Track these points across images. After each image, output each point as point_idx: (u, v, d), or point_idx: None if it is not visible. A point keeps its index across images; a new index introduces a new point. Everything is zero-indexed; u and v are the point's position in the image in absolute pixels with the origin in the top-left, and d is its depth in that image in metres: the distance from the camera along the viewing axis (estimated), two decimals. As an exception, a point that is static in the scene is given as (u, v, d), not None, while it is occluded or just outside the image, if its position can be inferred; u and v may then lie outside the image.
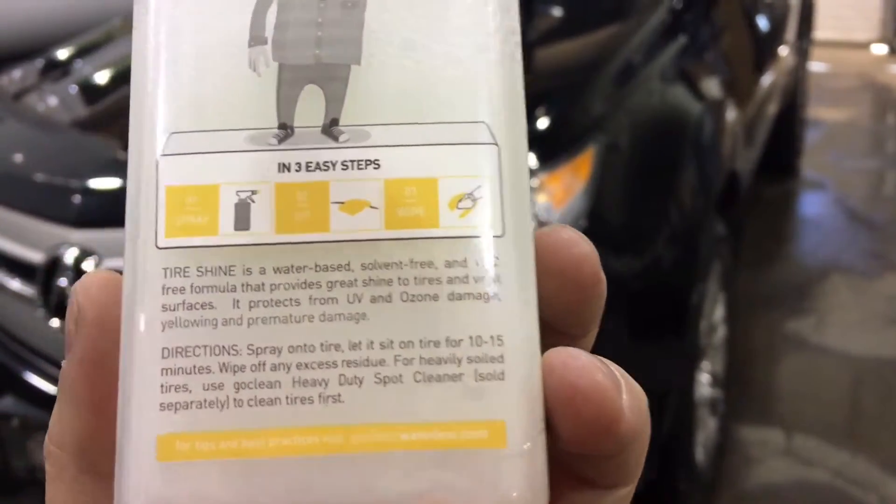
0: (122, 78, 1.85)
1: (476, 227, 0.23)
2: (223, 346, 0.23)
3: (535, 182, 1.31)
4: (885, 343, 2.41)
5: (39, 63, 2.06)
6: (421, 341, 0.23)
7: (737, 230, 1.99)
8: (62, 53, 2.10)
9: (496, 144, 0.24)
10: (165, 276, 0.23)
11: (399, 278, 0.23)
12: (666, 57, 1.73)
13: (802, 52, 3.47)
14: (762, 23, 2.54)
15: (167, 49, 0.25)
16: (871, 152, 4.13)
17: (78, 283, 0.24)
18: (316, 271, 0.23)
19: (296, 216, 0.23)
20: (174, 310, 0.23)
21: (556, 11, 1.93)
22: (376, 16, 0.25)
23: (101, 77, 1.96)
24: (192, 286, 0.23)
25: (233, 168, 0.24)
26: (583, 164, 1.35)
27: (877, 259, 2.93)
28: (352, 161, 0.24)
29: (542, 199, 1.30)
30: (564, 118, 1.43)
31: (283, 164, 0.24)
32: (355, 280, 0.23)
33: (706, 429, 1.77)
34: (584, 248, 0.24)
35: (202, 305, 0.23)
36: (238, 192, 0.23)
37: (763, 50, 2.54)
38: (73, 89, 1.93)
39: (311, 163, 0.24)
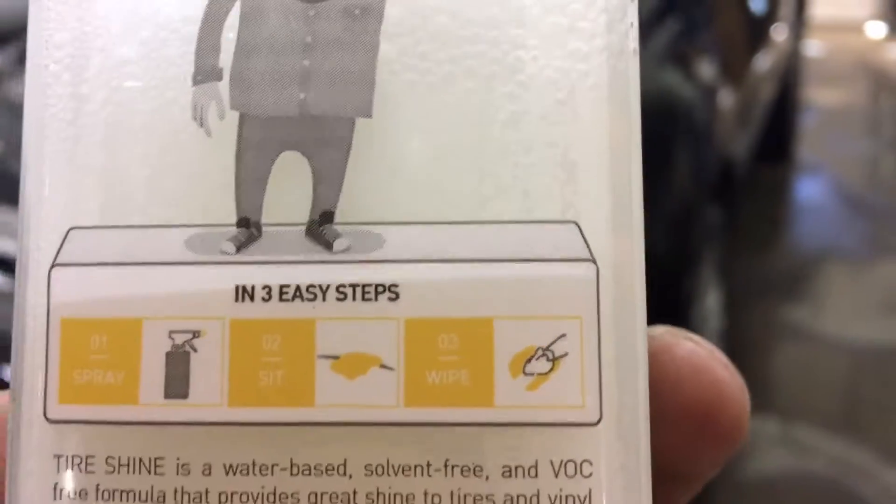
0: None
1: (557, 409, 0.15)
2: None
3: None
4: (883, 329, 2.40)
5: (18, 48, 2.03)
6: None
7: (731, 216, 1.98)
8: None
9: (593, 262, 0.15)
10: (58, 470, 0.15)
11: (427, 494, 0.15)
12: (659, 40, 1.70)
13: (798, 34, 3.44)
14: (756, 4, 2.52)
15: (67, 83, 0.15)
16: (868, 136, 4.10)
17: None
18: (292, 475, 0.15)
19: (261, 378, 0.15)
20: None
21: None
22: (403, 30, 0.15)
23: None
24: (98, 489, 0.15)
25: (163, 292, 0.15)
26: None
27: (874, 244, 2.92)
28: (353, 286, 0.15)
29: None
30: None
31: (244, 289, 0.15)
32: (355, 493, 0.15)
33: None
34: (720, 375, 0.16)
35: None
36: (172, 332, 0.15)
37: (757, 32, 2.52)
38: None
39: (287, 287, 0.15)
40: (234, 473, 0.15)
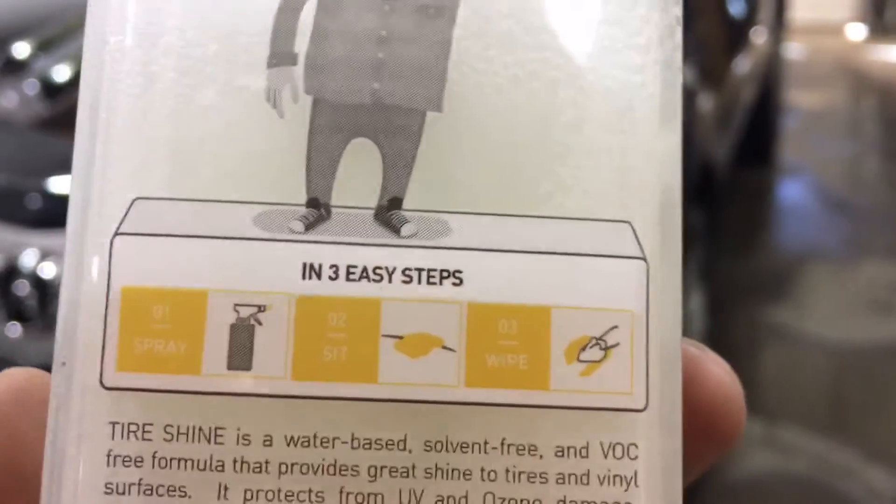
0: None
1: (608, 395, 0.16)
2: None
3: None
4: (866, 329, 2.40)
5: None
6: None
7: (713, 219, 1.98)
8: (20, 49, 2.05)
9: (645, 260, 0.16)
10: (113, 436, 0.15)
11: (483, 470, 0.15)
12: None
13: (778, 36, 3.45)
14: (736, 6, 2.52)
15: (137, 60, 0.16)
16: (849, 138, 4.12)
17: None
18: (353, 448, 0.15)
19: (325, 354, 0.15)
20: (123, 494, 0.15)
21: None
22: (472, 32, 0.16)
23: (62, 73, 1.92)
24: (155, 457, 0.15)
25: (230, 265, 0.15)
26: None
27: (855, 245, 2.93)
28: (419, 270, 0.16)
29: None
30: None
31: (311, 267, 0.15)
32: (414, 467, 0.15)
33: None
34: (729, 390, 0.17)
35: (169, 490, 0.15)
36: (237, 305, 0.15)
37: (737, 35, 2.53)
38: (33, 87, 1.88)
39: (354, 267, 0.16)
40: (296, 445, 0.15)
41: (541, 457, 0.15)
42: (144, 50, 0.16)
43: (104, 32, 0.16)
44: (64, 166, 1.47)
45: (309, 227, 0.16)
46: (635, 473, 0.16)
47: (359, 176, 0.16)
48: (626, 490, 0.15)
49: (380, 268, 0.16)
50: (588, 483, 0.15)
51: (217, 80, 0.16)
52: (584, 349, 0.16)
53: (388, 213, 0.16)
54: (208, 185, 0.16)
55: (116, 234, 0.16)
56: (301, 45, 0.16)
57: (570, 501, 0.15)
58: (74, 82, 1.82)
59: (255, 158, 0.16)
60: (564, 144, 0.16)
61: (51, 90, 1.88)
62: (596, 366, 0.16)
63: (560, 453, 0.15)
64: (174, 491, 0.15)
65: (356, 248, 0.16)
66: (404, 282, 0.16)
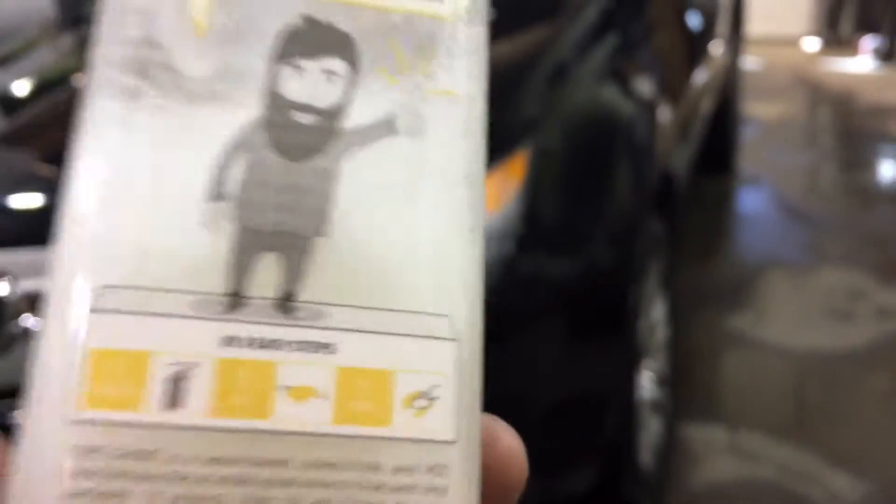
0: (42, 90, 1.79)
1: (430, 431, 0.22)
2: None
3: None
4: (825, 336, 2.44)
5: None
6: None
7: (674, 229, 2.00)
8: (-22, 66, 2.03)
9: (457, 341, 0.23)
10: (76, 456, 0.20)
11: (344, 482, 0.21)
12: (597, 57, 1.72)
13: (735, 49, 3.50)
14: (693, 20, 2.56)
15: (111, 184, 0.21)
16: (806, 147, 4.19)
17: None
18: (253, 466, 0.20)
19: (235, 398, 0.21)
20: (81, 497, 0.19)
21: (486, 12, 1.91)
22: (348, 190, 0.23)
23: (20, 89, 1.90)
24: (105, 470, 0.20)
25: (171, 335, 0.21)
26: (516, 167, 1.34)
27: (814, 252, 2.97)
28: (304, 343, 0.21)
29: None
30: (496, 121, 1.41)
31: (228, 338, 0.21)
32: (295, 480, 0.21)
33: (650, 429, 1.76)
34: (513, 444, 0.23)
35: (115, 496, 0.20)
36: (172, 363, 0.21)
37: (695, 47, 2.56)
38: (-9, 103, 1.86)
39: (259, 339, 0.21)
40: (211, 464, 0.20)
41: (384, 473, 0.21)
42: (122, 178, 0.22)
43: (87, 160, 0.22)
44: (22, 182, 1.46)
45: (227, 311, 0.21)
46: (447, 485, 0.22)
47: (265, 277, 0.22)
48: (442, 497, 0.22)
49: (277, 340, 0.21)
50: (413, 492, 0.21)
51: (175, 205, 0.22)
52: (416, 399, 0.22)
53: (285, 302, 0.22)
54: (159, 278, 0.21)
55: (91, 311, 0.21)
56: (231, 188, 0.22)
57: None
58: (33, 97, 1.81)
59: (194, 261, 0.21)
60: (406, 263, 0.23)
61: (9, 105, 1.86)
62: (423, 411, 0.22)
63: (395, 471, 0.21)
64: (119, 497, 0.20)
65: (261, 326, 0.21)
66: (294, 350, 0.21)
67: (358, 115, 0.23)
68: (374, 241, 0.22)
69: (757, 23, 4.59)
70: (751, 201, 3.56)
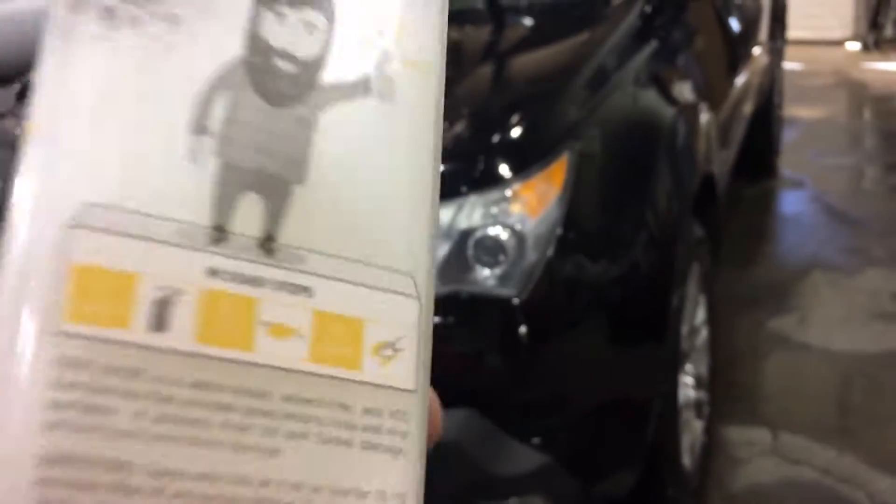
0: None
1: (395, 379, 0.23)
2: (119, 462, 0.20)
3: (509, 192, 1.30)
4: (869, 338, 2.42)
5: (16, 88, 2.05)
6: (331, 489, 0.22)
7: (715, 232, 1.99)
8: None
9: (419, 300, 0.24)
10: (60, 367, 0.19)
11: (318, 417, 0.22)
12: (638, 61, 1.73)
13: (776, 52, 3.48)
14: (734, 24, 2.55)
15: (93, 102, 0.21)
16: (849, 149, 4.15)
17: None
18: (235, 394, 0.21)
19: (220, 328, 0.21)
20: (64, 408, 0.19)
21: (527, 21, 1.93)
22: (325, 142, 0.23)
23: None
24: (90, 385, 0.19)
25: (157, 260, 0.21)
26: (557, 172, 1.35)
27: (857, 255, 2.94)
28: (285, 284, 0.22)
29: (516, 208, 1.30)
30: (537, 126, 1.43)
31: (213, 269, 0.21)
32: (274, 411, 0.22)
33: (692, 432, 1.76)
34: (436, 399, 0.26)
35: (101, 410, 0.19)
36: (159, 287, 0.20)
37: (736, 51, 2.55)
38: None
39: (242, 275, 0.22)
40: (195, 388, 0.21)
41: (354, 413, 0.23)
42: (108, 90, 0.21)
43: (68, 66, 0.21)
44: None
45: (213, 244, 0.21)
46: (406, 431, 0.23)
47: (249, 215, 0.22)
48: (402, 438, 0.23)
49: (260, 278, 0.22)
50: (380, 433, 0.23)
51: (161, 131, 0.21)
52: (382, 348, 0.23)
53: (267, 243, 0.22)
54: (145, 201, 0.21)
55: (71, 225, 0.20)
56: (214, 124, 0.22)
57: (369, 443, 0.23)
58: None
59: (180, 189, 0.21)
60: (379, 219, 0.24)
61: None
62: (389, 360, 0.23)
63: (364, 412, 0.23)
64: (105, 411, 0.20)
65: (245, 263, 0.22)
66: (274, 290, 0.22)
67: (334, 72, 0.24)
68: (349, 195, 0.23)
69: (798, 30, 4.55)
70: (793, 204, 3.53)
